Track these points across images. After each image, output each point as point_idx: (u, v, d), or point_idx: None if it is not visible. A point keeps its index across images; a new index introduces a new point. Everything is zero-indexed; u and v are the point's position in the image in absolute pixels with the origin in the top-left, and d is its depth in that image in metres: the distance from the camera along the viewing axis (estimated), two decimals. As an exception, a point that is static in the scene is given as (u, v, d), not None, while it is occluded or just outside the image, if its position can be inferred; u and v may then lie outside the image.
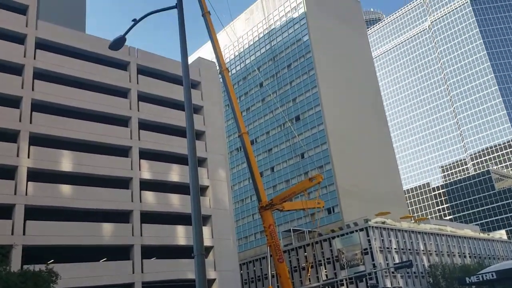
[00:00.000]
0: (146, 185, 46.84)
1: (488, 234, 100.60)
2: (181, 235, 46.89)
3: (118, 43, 14.34)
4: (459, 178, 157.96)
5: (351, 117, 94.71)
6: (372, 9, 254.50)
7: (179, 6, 13.55)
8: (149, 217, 45.87)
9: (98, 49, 47.92)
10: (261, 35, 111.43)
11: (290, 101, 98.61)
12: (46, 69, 43.75)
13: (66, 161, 41.99)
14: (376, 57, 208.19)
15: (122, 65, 50.38)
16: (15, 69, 42.28)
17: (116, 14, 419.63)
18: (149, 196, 46.37)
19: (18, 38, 43.42)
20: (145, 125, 49.26)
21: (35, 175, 40.00)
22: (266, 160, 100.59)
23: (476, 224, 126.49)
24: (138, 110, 49.01)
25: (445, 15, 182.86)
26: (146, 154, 48.03)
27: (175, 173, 48.89)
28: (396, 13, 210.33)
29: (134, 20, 14.46)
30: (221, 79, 52.22)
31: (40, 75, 43.52)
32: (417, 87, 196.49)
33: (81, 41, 47.76)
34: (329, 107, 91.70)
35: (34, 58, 43.30)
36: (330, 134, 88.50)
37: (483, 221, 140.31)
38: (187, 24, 13.85)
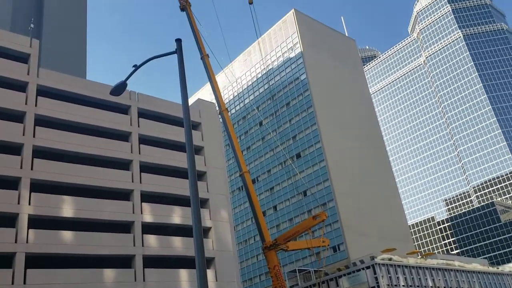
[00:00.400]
0: (148, 228, 46.31)
1: (497, 268, 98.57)
2: (184, 279, 45.95)
3: (119, 88, 14.51)
4: (463, 211, 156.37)
5: (351, 153, 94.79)
6: (367, 47, 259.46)
7: (178, 51, 13.80)
8: (152, 261, 45.09)
9: (99, 94, 48.50)
10: (259, 75, 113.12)
11: (290, 139, 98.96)
12: (47, 115, 44.13)
13: (67, 207, 41.69)
14: (373, 93, 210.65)
15: (123, 109, 50.85)
16: (17, 117, 42.65)
17: (116, 58, 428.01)
18: (152, 240, 45.76)
19: (20, 86, 44.03)
20: (146, 168, 49.19)
21: (36, 222, 39.61)
22: (268, 199, 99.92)
23: (484, 258, 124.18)
24: (139, 153, 49.08)
25: (439, 50, 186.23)
26: (147, 197, 47.74)
27: (177, 215, 48.45)
28: (391, 50, 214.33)
29: (135, 66, 14.68)
30: (221, 119, 52.61)
31: (42, 121, 43.85)
32: (416, 121, 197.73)
33: (82, 87, 48.40)
34: (329, 143, 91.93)
35: (36, 105, 43.76)
36: (331, 170, 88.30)
37: (491, 254, 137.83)
38: (186, 66, 14.06)
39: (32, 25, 55.84)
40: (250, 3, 59.95)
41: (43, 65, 49.15)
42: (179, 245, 47.26)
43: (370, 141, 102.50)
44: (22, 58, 45.58)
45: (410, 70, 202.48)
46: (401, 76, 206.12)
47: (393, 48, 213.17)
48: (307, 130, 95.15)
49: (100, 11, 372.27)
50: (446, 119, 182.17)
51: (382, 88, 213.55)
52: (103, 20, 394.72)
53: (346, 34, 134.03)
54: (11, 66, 43.83)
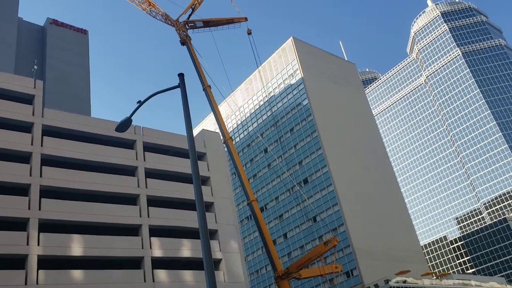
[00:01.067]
0: (158, 263, 45.81)
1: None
2: (197, 313, 45.14)
3: (125, 125, 14.60)
4: (476, 228, 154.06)
5: (359, 175, 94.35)
6: (367, 69, 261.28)
7: (181, 86, 13.94)
8: (163, 297, 44.39)
9: (104, 131, 48.82)
10: (261, 102, 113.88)
11: (296, 164, 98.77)
12: (53, 154, 44.36)
13: (77, 245, 41.42)
14: (376, 114, 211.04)
15: (128, 144, 51.08)
16: (23, 158, 42.88)
17: (119, 98, 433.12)
18: (162, 275, 45.19)
19: (26, 127, 44.45)
20: (154, 202, 49.03)
21: (45, 263, 39.29)
22: (278, 226, 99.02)
23: (501, 276, 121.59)
24: (146, 187, 49.02)
25: (439, 69, 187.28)
26: (156, 231, 47.41)
27: (187, 249, 47.97)
28: (391, 71, 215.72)
29: (139, 101, 14.81)
30: (226, 149, 52.72)
31: (48, 161, 44.05)
32: (421, 140, 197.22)
33: (87, 125, 48.80)
34: (336, 167, 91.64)
35: (42, 145, 44.05)
36: (340, 194, 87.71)
37: (508, 271, 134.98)
38: (189, 97, 14.18)
39: (35, 67, 56.81)
40: (249, 33, 61.01)
41: (48, 106, 49.74)
42: (190, 279, 46.63)
43: (376, 162, 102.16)
44: (27, 99, 46.16)
45: (412, 90, 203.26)
46: (403, 96, 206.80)
47: (393, 69, 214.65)
48: (313, 155, 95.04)
49: (101, 52, 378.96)
50: (451, 136, 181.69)
51: (385, 109, 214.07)
52: (104, 61, 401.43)
53: (346, 58, 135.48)
54: (16, 107, 44.35)
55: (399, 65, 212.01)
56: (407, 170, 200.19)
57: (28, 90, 46.26)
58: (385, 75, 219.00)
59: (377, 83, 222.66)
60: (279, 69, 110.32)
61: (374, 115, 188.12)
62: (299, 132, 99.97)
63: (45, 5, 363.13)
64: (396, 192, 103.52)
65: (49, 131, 45.76)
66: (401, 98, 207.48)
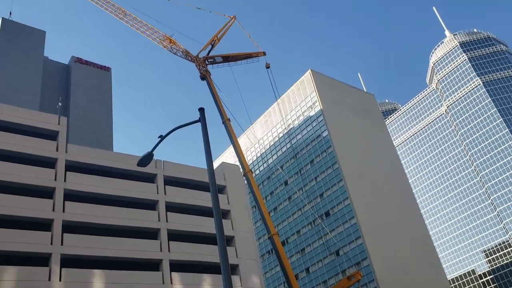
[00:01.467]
0: (179, 298, 45.22)
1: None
2: None
3: (146, 159, 14.72)
4: (505, 262, 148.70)
5: (381, 207, 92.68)
6: (387, 100, 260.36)
7: (202, 120, 14.05)
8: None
9: (126, 165, 49.37)
10: (281, 134, 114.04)
11: (318, 197, 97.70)
12: (76, 189, 44.91)
13: (98, 281, 41.28)
14: (398, 145, 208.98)
15: (149, 178, 51.46)
16: (46, 193, 43.47)
17: (140, 128, 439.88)
18: (183, 311, 44.52)
19: (49, 163, 45.24)
20: (175, 236, 48.87)
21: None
22: (300, 261, 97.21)
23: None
24: (167, 221, 49.00)
25: (459, 98, 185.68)
26: (177, 266, 47.03)
27: (208, 284, 47.33)
28: (411, 102, 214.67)
29: (160, 136, 14.95)
30: (245, 181, 52.55)
31: (71, 196, 44.54)
32: (444, 171, 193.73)
33: (109, 159, 49.45)
34: (358, 199, 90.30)
35: (65, 180, 44.64)
36: (363, 227, 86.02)
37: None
38: (208, 130, 14.25)
39: (60, 104, 58.30)
40: (267, 67, 61.77)
41: (72, 141, 50.79)
42: (211, 315, 45.79)
43: (399, 194, 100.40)
44: (51, 135, 47.17)
45: (433, 121, 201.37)
46: (424, 127, 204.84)
47: (413, 100, 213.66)
48: (334, 187, 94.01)
49: (124, 86, 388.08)
50: (475, 167, 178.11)
51: (406, 140, 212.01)
52: (127, 94, 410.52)
53: (365, 90, 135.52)
54: (41, 143, 45.31)
55: (418, 95, 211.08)
56: (431, 201, 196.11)
57: (53, 127, 47.32)
58: (405, 106, 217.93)
59: (397, 114, 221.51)
60: (298, 101, 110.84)
61: (395, 146, 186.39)
62: (320, 164, 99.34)
63: (70, 43, 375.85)
64: (420, 224, 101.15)
65: (72, 166, 46.47)
66: (422, 129, 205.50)
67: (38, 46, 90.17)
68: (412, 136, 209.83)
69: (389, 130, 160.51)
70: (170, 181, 52.69)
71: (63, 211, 42.86)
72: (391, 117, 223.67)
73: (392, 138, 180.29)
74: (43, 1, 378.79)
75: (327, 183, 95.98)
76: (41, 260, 39.89)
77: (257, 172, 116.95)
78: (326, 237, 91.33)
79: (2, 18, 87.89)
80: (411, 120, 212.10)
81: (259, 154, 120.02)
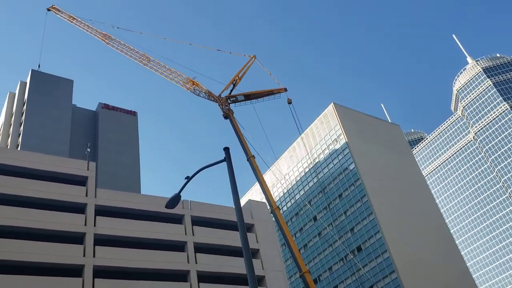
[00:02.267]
0: None
1: None
2: None
3: (174, 201, 14.76)
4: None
5: (414, 240, 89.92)
6: (412, 130, 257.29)
7: (227, 159, 14.06)
8: None
9: (154, 207, 49.63)
10: (307, 169, 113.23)
11: (348, 232, 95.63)
12: (105, 234, 45.18)
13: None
14: (427, 175, 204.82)
15: (177, 219, 51.48)
16: (77, 238, 43.83)
17: (166, 166, 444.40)
18: None
19: (79, 208, 45.85)
20: (204, 277, 48.28)
21: None
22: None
23: None
24: (196, 262, 48.56)
25: (487, 124, 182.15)
26: (208, 308, 46.22)
27: (240, 326, 46.22)
28: (437, 130, 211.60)
29: (187, 177, 15.00)
30: (273, 218, 51.95)
31: (101, 240, 44.79)
32: (477, 199, 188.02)
33: (137, 202, 49.86)
34: (390, 232, 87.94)
35: (95, 225, 45.03)
36: (397, 261, 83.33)
37: None
38: (234, 168, 14.21)
39: (88, 150, 59.62)
40: (289, 103, 62.12)
41: (100, 186, 51.51)
42: None
43: (431, 225, 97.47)
44: (81, 181, 48.02)
45: (461, 148, 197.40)
46: (453, 155, 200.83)
47: (439, 128, 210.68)
48: (365, 221, 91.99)
49: (149, 126, 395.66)
50: (509, 193, 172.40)
51: (434, 169, 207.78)
52: (153, 134, 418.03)
53: (389, 120, 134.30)
54: (71, 190, 46.11)
55: (444, 123, 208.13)
56: (465, 231, 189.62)
57: (82, 172, 48.23)
58: (432, 135, 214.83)
59: (424, 143, 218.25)
60: (322, 135, 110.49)
61: (424, 175, 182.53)
62: (348, 197, 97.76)
63: (97, 90, 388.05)
64: (456, 255, 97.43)
65: (102, 211, 46.95)
66: (450, 157, 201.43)
67: (67, 95, 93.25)
68: (441, 165, 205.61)
69: (416, 160, 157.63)
70: (198, 221, 52.56)
71: (94, 255, 43.02)
72: (418, 146, 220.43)
73: (421, 168, 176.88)
74: (70, 51, 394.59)
75: (357, 217, 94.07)
76: None
77: (285, 208, 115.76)
78: (359, 272, 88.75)
79: (32, 70, 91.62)
80: (439, 149, 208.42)
81: (285, 190, 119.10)
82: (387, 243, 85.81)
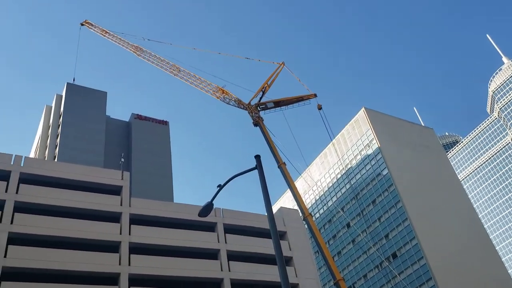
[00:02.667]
0: None
1: None
2: None
3: (207, 209, 14.85)
4: None
5: (452, 245, 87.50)
6: (447, 133, 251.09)
7: (259, 167, 14.04)
8: None
9: (187, 215, 50.06)
10: (339, 175, 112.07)
11: (383, 238, 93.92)
12: (140, 242, 45.84)
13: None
14: (463, 179, 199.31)
15: (209, 227, 51.75)
16: (113, 247, 44.61)
17: (200, 175, 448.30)
18: None
19: (114, 217, 46.71)
20: (237, 285, 48.24)
21: None
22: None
23: None
24: (229, 270, 48.61)
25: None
26: (242, 317, 46.11)
27: (275, 334, 45.88)
28: (473, 133, 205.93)
29: (219, 186, 15.06)
30: (306, 226, 51.54)
31: (136, 249, 45.45)
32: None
33: (170, 210, 50.41)
34: (426, 238, 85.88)
35: (129, 234, 45.75)
36: (434, 268, 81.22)
37: None
38: (265, 175, 14.17)
39: (122, 159, 60.87)
40: (319, 108, 61.72)
41: (134, 195, 52.40)
42: None
43: (469, 230, 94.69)
44: (115, 190, 48.94)
45: (499, 151, 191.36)
46: (490, 157, 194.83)
47: (475, 130, 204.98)
48: (399, 227, 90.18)
49: (181, 135, 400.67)
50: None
51: (471, 173, 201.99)
52: (184, 142, 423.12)
53: (422, 124, 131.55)
54: (106, 199, 47.07)
55: (480, 125, 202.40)
56: (506, 237, 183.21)
57: (116, 182, 49.17)
58: (467, 137, 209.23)
59: (459, 146, 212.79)
60: (354, 141, 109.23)
61: (460, 180, 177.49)
62: (382, 203, 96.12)
63: (129, 101, 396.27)
64: (495, 261, 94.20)
65: (136, 219, 47.68)
66: (488, 160, 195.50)
67: (101, 106, 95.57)
68: (478, 169, 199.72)
69: (452, 163, 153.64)
70: (230, 229, 52.66)
71: (129, 264, 43.67)
72: (453, 150, 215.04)
73: (456, 172, 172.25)
74: (103, 63, 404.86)
75: (392, 223, 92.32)
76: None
77: (317, 215, 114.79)
78: (394, 280, 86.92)
79: (67, 83, 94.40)
80: (475, 152, 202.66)
81: (317, 197, 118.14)
82: (423, 249, 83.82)
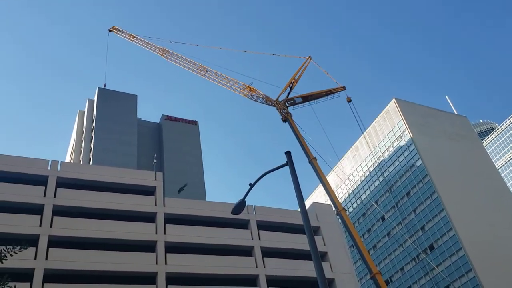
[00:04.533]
0: None
1: None
2: None
3: (240, 207, 14.91)
4: None
5: (491, 235, 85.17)
6: (481, 121, 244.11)
7: (290, 163, 13.99)
8: None
9: (219, 213, 50.46)
10: (371, 168, 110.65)
11: (419, 230, 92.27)
12: (176, 241, 46.50)
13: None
14: (500, 167, 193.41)
15: (243, 224, 51.99)
16: (149, 247, 45.42)
17: (231, 173, 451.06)
18: None
19: (149, 218, 47.52)
20: (273, 281, 48.33)
21: None
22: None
23: None
24: (264, 267, 48.76)
25: None
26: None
27: (312, 330, 45.77)
28: (510, 119, 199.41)
29: (250, 184, 15.09)
30: (339, 220, 51.12)
31: (172, 248, 46.14)
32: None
33: (203, 209, 50.94)
34: (463, 229, 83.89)
35: (165, 233, 46.46)
36: (473, 259, 79.29)
37: None
38: (296, 171, 14.11)
39: (155, 160, 61.81)
40: (349, 101, 61.00)
41: (168, 195, 53.15)
42: None
43: (508, 219, 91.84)
44: (149, 191, 49.77)
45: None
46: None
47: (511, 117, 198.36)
48: (436, 218, 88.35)
49: (211, 134, 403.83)
50: None
51: (509, 160, 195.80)
52: (215, 141, 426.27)
53: (455, 112, 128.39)
54: (140, 200, 47.94)
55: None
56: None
57: (150, 183, 49.99)
58: (503, 124, 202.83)
59: (495, 134, 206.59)
60: (386, 132, 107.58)
61: (498, 168, 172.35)
62: (417, 195, 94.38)
63: (159, 103, 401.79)
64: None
65: (171, 219, 48.38)
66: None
67: (132, 109, 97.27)
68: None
69: (488, 151, 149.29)
70: (264, 226, 52.75)
71: (165, 263, 44.38)
72: (488, 138, 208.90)
73: (493, 160, 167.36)
74: (132, 67, 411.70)
75: (427, 215, 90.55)
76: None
77: (351, 209, 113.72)
78: (433, 272, 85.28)
79: (98, 87, 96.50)
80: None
81: (350, 191, 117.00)
82: (462, 240, 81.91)
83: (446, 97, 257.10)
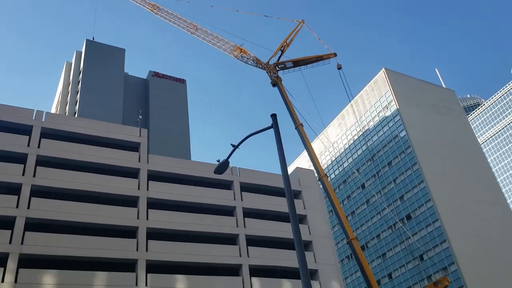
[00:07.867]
0: (259, 304, 45.52)
1: None
2: None
3: (223, 167, 15.05)
4: None
5: (467, 208, 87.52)
6: (468, 96, 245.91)
7: (275, 126, 14.08)
8: None
9: (203, 173, 50.85)
10: (356, 137, 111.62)
11: (397, 200, 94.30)
12: (158, 197, 46.94)
13: (181, 285, 42.74)
14: (483, 142, 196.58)
15: (226, 185, 52.56)
16: (131, 202, 45.81)
17: (213, 133, 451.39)
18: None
19: (132, 173, 47.69)
20: (253, 241, 49.39)
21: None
22: (381, 266, 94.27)
23: None
24: (245, 227, 49.69)
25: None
26: (256, 271, 47.47)
27: (287, 289, 47.24)
28: (496, 96, 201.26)
29: (233, 145, 15.18)
30: (321, 186, 51.93)
31: (153, 204, 46.60)
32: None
33: (187, 168, 51.18)
34: (441, 201, 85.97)
35: (147, 189, 46.80)
36: (448, 230, 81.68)
37: None
38: (281, 136, 14.24)
39: (140, 117, 61.36)
40: (339, 68, 60.64)
41: (152, 152, 53.07)
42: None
43: (486, 194, 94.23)
44: (133, 147, 49.73)
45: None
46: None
47: (498, 93, 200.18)
48: (415, 189, 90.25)
49: (198, 94, 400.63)
50: None
51: (492, 136, 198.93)
52: (201, 101, 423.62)
53: (444, 86, 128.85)
54: (124, 155, 47.94)
55: (504, 88, 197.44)
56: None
57: (135, 139, 49.89)
58: (489, 100, 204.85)
59: (480, 109, 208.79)
60: (373, 102, 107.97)
61: (480, 143, 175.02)
62: (398, 165, 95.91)
63: (147, 60, 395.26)
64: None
65: (154, 176, 48.62)
66: (509, 124, 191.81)
67: (119, 63, 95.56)
68: (499, 132, 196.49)
69: (472, 126, 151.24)
70: (246, 187, 53.41)
71: (147, 218, 44.90)
72: (474, 113, 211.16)
73: (477, 135, 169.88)
74: (120, 22, 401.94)
75: (407, 185, 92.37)
76: (128, 265, 42.02)
77: (333, 176, 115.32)
78: (408, 241, 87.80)
79: (86, 39, 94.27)
80: (497, 115, 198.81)
81: (333, 158, 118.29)
82: (439, 212, 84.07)
83: (436, 70, 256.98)
